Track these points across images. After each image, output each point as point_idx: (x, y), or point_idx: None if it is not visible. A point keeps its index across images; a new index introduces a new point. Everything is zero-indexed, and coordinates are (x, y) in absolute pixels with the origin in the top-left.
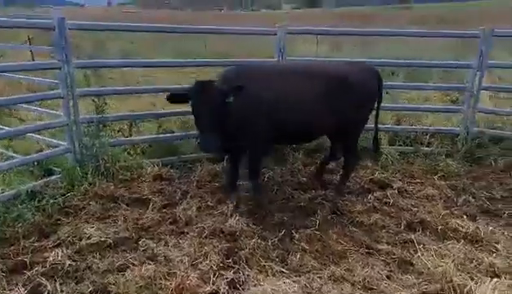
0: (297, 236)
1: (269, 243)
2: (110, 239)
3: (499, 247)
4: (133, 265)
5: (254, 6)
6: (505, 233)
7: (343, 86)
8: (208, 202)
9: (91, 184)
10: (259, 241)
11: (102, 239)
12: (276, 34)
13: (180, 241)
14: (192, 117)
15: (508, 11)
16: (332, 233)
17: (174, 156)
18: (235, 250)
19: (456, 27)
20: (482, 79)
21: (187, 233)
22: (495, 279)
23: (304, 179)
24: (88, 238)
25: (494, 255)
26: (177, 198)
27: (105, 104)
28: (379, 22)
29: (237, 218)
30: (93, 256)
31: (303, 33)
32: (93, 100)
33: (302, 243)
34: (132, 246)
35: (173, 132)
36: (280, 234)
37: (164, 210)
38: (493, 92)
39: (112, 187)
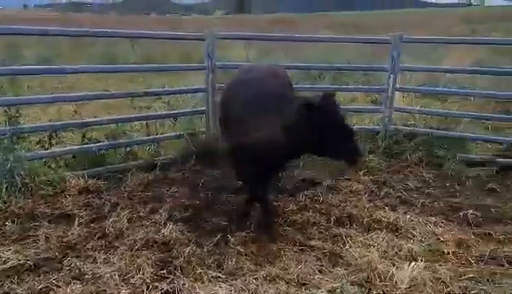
0: (232, 240)
1: (205, 250)
2: (30, 261)
3: (415, 233)
4: (57, 286)
5: (185, 12)
6: (420, 220)
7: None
8: (141, 213)
9: (6, 202)
10: (195, 248)
11: (21, 262)
12: (204, 39)
13: (110, 256)
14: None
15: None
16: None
17: (101, 167)
18: (170, 259)
19: (381, 33)
20: (395, 81)
21: (118, 247)
22: (413, 263)
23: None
24: (4, 262)
25: (412, 241)
26: (106, 210)
27: (19, 114)
28: (304, 28)
29: (171, 227)
30: (11, 282)
31: (232, 38)
32: (5, 111)
33: (237, 247)
34: (55, 266)
35: (99, 141)
36: (216, 239)
37: (92, 224)
38: (406, 93)
39: (31, 204)
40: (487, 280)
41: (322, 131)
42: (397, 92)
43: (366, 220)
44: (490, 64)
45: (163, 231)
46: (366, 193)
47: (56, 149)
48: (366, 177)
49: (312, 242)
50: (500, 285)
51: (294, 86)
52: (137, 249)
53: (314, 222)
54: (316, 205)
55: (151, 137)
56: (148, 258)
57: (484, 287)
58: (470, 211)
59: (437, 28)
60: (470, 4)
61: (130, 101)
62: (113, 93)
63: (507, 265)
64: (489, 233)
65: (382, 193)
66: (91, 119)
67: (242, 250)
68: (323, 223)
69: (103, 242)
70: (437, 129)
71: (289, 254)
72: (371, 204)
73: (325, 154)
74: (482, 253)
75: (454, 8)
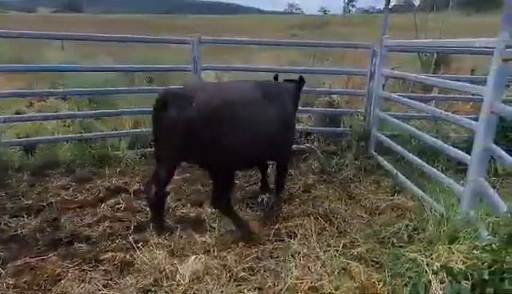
0: (3, 272)
1: None
2: None
3: (215, 225)
4: None
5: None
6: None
7: None
8: None
9: None
10: None
11: None
12: None
13: None
14: None
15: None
16: (52, 257)
17: None
18: None
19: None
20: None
21: None
22: (193, 257)
23: (31, 201)
24: None
25: (208, 233)
26: None
27: None
28: (138, 30)
29: None
30: None
31: (11, 36)
32: None
33: (7, 279)
34: None
35: None
36: None
37: None
38: None
39: None
40: (268, 257)
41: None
42: None
43: (168, 220)
44: (300, 63)
45: None
46: (174, 192)
47: None
48: (178, 177)
49: (102, 256)
50: (277, 258)
51: None
52: None
53: (110, 233)
54: (118, 213)
55: None
56: None
57: (265, 263)
58: (267, 195)
59: (265, 31)
60: (292, 12)
61: None
62: None
63: (287, 238)
64: (278, 213)
65: (190, 191)
66: None
67: (13, 282)
68: (121, 232)
69: None
70: None
71: (73, 274)
72: (178, 202)
73: None
74: (269, 233)
75: (283, 15)
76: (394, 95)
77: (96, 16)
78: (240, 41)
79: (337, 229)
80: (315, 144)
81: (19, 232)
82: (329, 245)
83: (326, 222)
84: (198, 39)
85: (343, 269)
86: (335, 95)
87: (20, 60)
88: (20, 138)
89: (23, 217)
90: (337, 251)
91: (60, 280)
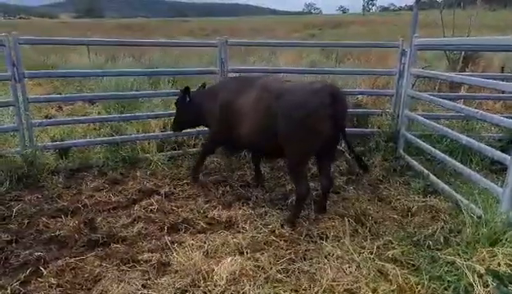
0: (45, 272)
1: (8, 291)
2: None
3: (246, 226)
4: None
5: (23, 14)
6: (252, 213)
7: None
8: None
9: None
10: None
11: None
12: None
13: None
14: None
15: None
16: (90, 257)
17: None
18: None
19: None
20: None
21: None
22: (230, 258)
23: (66, 203)
24: None
25: (241, 235)
26: None
27: None
28: (160, 33)
29: None
30: None
31: (38, 43)
32: None
33: (50, 279)
34: None
35: None
36: (24, 275)
37: None
38: None
39: None
40: (301, 258)
41: None
42: None
43: (200, 221)
44: (322, 63)
45: None
46: (204, 194)
47: None
48: (205, 179)
49: (140, 256)
50: (311, 260)
51: None
52: None
53: (146, 234)
54: (150, 215)
55: None
56: None
57: (299, 265)
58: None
59: (281, 32)
60: (310, 12)
61: None
62: None
63: (319, 240)
64: (308, 214)
65: (219, 193)
66: None
67: (55, 281)
68: (156, 233)
69: None
70: None
71: (112, 274)
72: (207, 205)
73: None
74: (300, 234)
75: (300, 16)
76: (427, 95)
77: (115, 21)
78: (268, 43)
79: (369, 230)
80: (342, 145)
81: (57, 233)
82: (362, 247)
83: (358, 223)
84: (225, 41)
85: (379, 271)
86: (360, 96)
87: (45, 65)
88: (54, 141)
89: (60, 218)
90: (371, 253)
91: (100, 280)
